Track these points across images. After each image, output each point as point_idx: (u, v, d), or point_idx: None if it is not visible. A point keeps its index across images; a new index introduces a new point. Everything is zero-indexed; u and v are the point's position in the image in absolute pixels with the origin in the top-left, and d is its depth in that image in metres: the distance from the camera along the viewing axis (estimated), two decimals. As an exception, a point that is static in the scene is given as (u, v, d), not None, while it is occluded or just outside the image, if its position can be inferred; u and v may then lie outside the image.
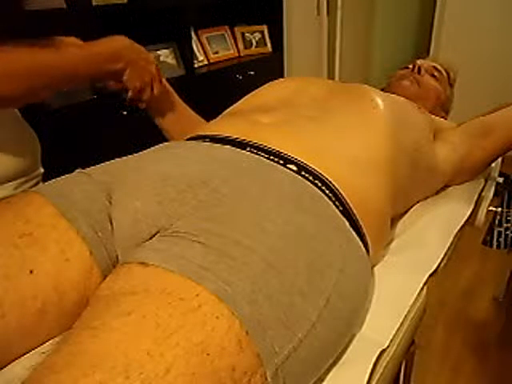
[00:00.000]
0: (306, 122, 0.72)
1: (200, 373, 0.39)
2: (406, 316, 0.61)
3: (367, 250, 0.63)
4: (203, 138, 0.71)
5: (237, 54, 2.38)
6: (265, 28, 2.45)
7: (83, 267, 0.55)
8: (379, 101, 0.76)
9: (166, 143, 0.75)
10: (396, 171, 0.71)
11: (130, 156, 0.70)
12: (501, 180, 1.02)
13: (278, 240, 0.50)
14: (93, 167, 0.67)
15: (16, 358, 0.53)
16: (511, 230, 1.93)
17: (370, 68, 3.43)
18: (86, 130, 1.60)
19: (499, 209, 1.97)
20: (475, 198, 0.91)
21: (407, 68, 1.08)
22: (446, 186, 0.93)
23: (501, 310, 1.64)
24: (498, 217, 1.98)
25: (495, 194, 0.97)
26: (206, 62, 2.21)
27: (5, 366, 0.52)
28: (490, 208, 0.94)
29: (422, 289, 0.66)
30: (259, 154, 0.64)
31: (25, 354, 0.53)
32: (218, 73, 2.18)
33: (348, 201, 0.62)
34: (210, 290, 0.43)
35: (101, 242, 0.57)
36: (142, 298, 0.43)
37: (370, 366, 0.52)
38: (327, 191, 0.60)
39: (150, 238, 0.54)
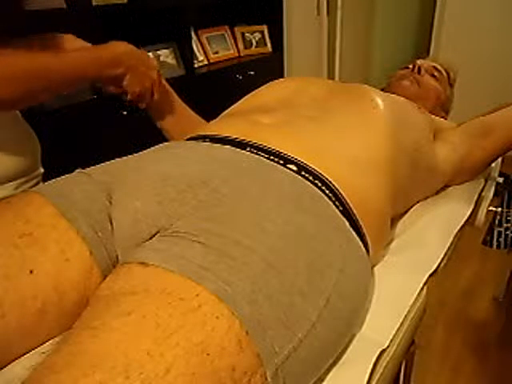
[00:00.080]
0: (305, 122, 0.72)
1: (200, 373, 0.39)
2: (405, 316, 0.61)
3: (367, 250, 0.63)
4: (203, 138, 0.71)
5: (237, 54, 2.37)
6: (265, 28, 2.45)
7: (83, 267, 0.55)
8: (379, 101, 0.76)
9: (165, 143, 0.75)
10: (396, 171, 0.71)
11: (130, 156, 0.70)
12: (501, 180, 1.02)
13: (278, 240, 0.50)
14: (93, 167, 0.67)
15: (16, 358, 0.53)
16: (511, 230, 1.93)
17: (370, 68, 3.43)
18: (85, 130, 1.59)
19: (499, 209, 1.96)
20: (475, 198, 0.91)
21: (407, 68, 1.08)
22: (446, 186, 0.93)
23: (501, 310, 1.64)
24: (498, 217, 1.98)
25: (495, 194, 0.97)
26: (205, 62, 2.20)
27: (5, 366, 0.52)
28: (490, 208, 0.93)
29: (421, 289, 0.66)
30: (259, 154, 0.64)
31: (25, 354, 0.53)
32: (218, 73, 2.18)
33: (348, 201, 0.62)
34: (210, 289, 0.43)
35: (101, 241, 0.57)
36: (141, 297, 0.43)
37: (370, 366, 0.52)
38: (327, 191, 0.61)
39: (150, 238, 0.54)
